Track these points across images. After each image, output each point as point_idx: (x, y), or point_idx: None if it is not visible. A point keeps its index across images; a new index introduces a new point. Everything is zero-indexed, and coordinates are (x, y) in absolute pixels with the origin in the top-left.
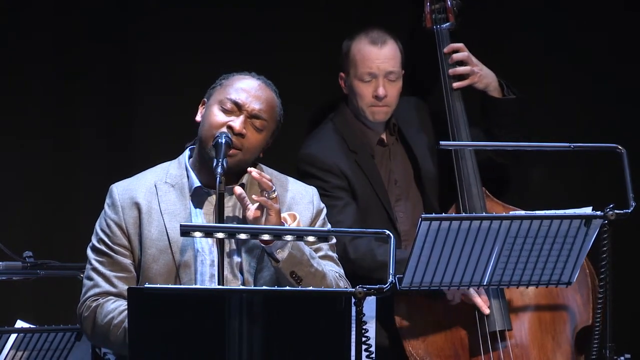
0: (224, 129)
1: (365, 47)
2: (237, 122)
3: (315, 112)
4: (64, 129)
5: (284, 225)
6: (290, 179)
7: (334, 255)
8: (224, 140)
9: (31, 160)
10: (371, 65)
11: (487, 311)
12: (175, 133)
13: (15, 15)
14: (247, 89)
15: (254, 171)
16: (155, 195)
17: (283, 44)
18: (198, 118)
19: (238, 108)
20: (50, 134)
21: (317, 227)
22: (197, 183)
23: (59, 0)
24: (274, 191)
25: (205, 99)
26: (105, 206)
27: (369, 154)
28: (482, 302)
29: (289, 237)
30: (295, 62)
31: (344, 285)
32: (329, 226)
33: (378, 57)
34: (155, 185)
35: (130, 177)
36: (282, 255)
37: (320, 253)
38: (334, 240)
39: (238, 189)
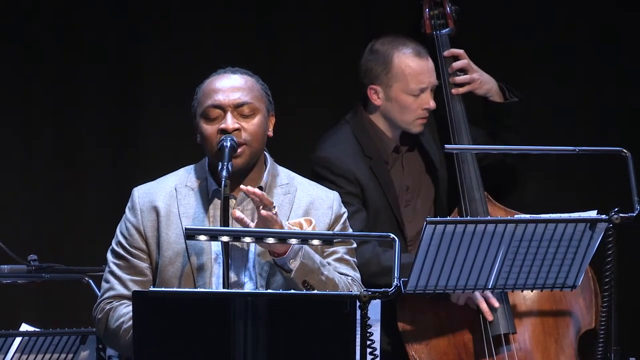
0: (219, 136)
1: (413, 62)
2: (226, 121)
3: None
4: (69, 133)
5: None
6: (313, 184)
7: (352, 259)
8: (228, 144)
9: (36, 163)
10: (424, 79)
11: (490, 318)
12: (181, 136)
13: (18, 16)
14: (219, 87)
15: (255, 190)
16: (175, 199)
17: (289, 46)
18: (198, 140)
19: (221, 109)
20: (56, 138)
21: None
22: (215, 186)
23: (60, 2)
24: (274, 207)
25: (193, 120)
26: (126, 209)
27: (383, 160)
28: (486, 307)
29: (293, 240)
30: (301, 63)
31: (357, 290)
32: (350, 231)
33: (428, 70)
34: (175, 189)
35: (153, 180)
36: (294, 264)
37: (336, 255)
38: (354, 245)
39: (237, 212)
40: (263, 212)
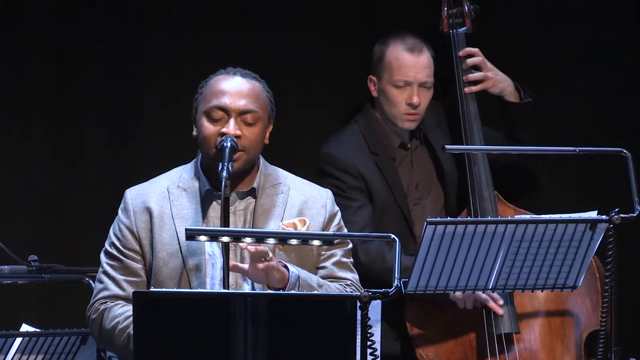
0: (218, 138)
1: (402, 54)
2: (229, 126)
3: (344, 113)
4: (69, 133)
5: (284, 274)
6: (306, 182)
7: (349, 261)
8: (229, 144)
9: (36, 163)
10: (408, 73)
11: (500, 312)
12: (181, 136)
13: (18, 16)
14: (226, 89)
15: (248, 247)
16: (168, 200)
17: (289, 46)
18: (194, 133)
19: (225, 112)
20: (56, 138)
21: (330, 232)
22: (207, 186)
23: (61, 2)
24: (269, 254)
25: (193, 112)
26: (119, 211)
27: (390, 156)
28: (495, 305)
29: (294, 241)
30: (301, 63)
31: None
32: (345, 230)
33: (415, 65)
34: (167, 190)
35: (145, 181)
36: None
37: (334, 259)
38: (350, 246)
39: (232, 263)
40: (260, 265)
